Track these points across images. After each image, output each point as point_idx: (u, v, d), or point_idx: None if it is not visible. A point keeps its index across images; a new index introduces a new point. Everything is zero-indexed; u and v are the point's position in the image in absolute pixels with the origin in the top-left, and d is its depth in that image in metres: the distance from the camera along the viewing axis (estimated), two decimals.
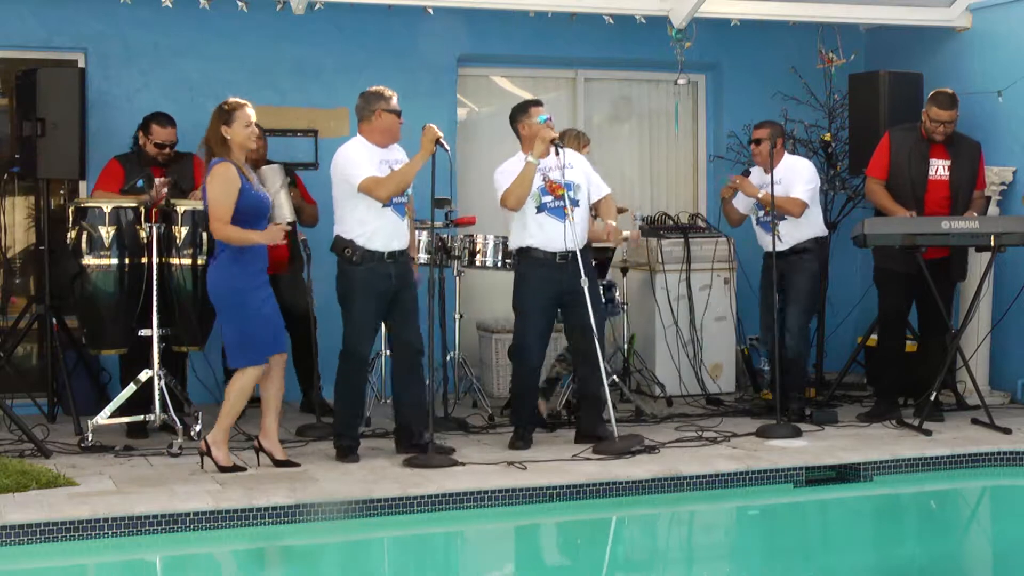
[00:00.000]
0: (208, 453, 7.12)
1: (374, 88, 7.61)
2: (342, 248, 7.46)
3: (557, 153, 7.74)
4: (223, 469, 7.09)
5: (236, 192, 6.94)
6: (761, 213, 8.68)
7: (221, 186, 6.95)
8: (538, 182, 7.79)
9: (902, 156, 8.55)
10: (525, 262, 7.88)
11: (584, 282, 7.57)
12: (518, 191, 7.72)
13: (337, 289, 7.48)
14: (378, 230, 7.42)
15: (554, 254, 7.77)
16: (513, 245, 7.99)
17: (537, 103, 8.04)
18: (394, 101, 7.55)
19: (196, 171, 8.41)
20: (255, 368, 7.10)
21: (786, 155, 8.82)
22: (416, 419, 7.56)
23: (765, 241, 8.69)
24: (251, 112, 7.08)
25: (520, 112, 7.98)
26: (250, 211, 7.00)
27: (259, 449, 7.29)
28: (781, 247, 8.60)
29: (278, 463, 7.24)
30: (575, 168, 7.88)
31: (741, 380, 9.85)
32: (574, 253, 7.68)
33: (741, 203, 8.88)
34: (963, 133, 8.65)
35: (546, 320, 7.91)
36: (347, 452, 7.50)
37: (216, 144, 7.01)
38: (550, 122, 7.83)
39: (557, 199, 7.77)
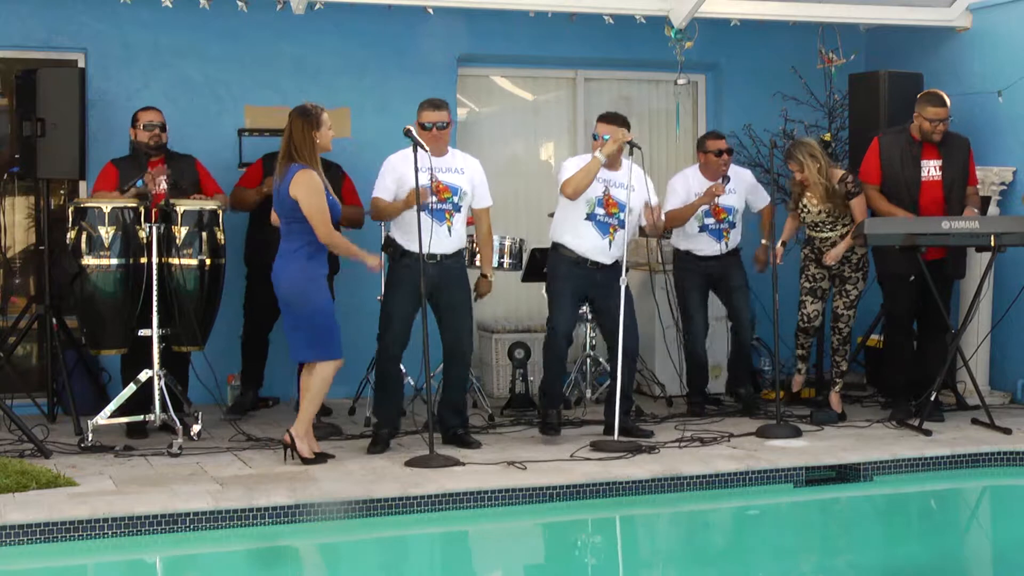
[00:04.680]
0: (292, 446, 7.27)
1: (426, 99, 7.82)
2: (388, 247, 7.79)
3: (631, 152, 7.86)
4: (307, 461, 7.25)
5: (324, 195, 7.13)
6: (711, 221, 8.79)
7: (315, 194, 7.09)
8: (598, 191, 7.95)
9: (894, 160, 8.56)
10: (556, 255, 8.08)
11: (623, 281, 7.74)
12: (578, 182, 7.86)
13: (384, 285, 7.79)
14: (414, 234, 7.52)
15: (586, 259, 7.98)
16: (550, 237, 8.18)
17: (616, 119, 8.05)
18: (425, 113, 7.70)
19: (201, 175, 8.43)
20: (334, 362, 7.25)
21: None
22: (447, 414, 7.80)
23: (704, 247, 8.84)
24: (328, 116, 7.31)
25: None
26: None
27: (288, 446, 7.31)
28: (724, 250, 8.84)
29: (307, 460, 7.30)
30: (636, 192, 7.99)
31: None
32: (604, 265, 7.97)
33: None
34: (951, 131, 8.65)
35: (574, 306, 8.10)
36: (375, 442, 7.69)
37: (306, 149, 7.15)
38: (601, 140, 7.97)
39: (609, 215, 7.95)
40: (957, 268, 8.74)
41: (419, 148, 7.44)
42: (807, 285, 8.74)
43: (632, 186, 7.95)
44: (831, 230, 8.62)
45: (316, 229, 7.10)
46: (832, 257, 8.54)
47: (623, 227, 7.95)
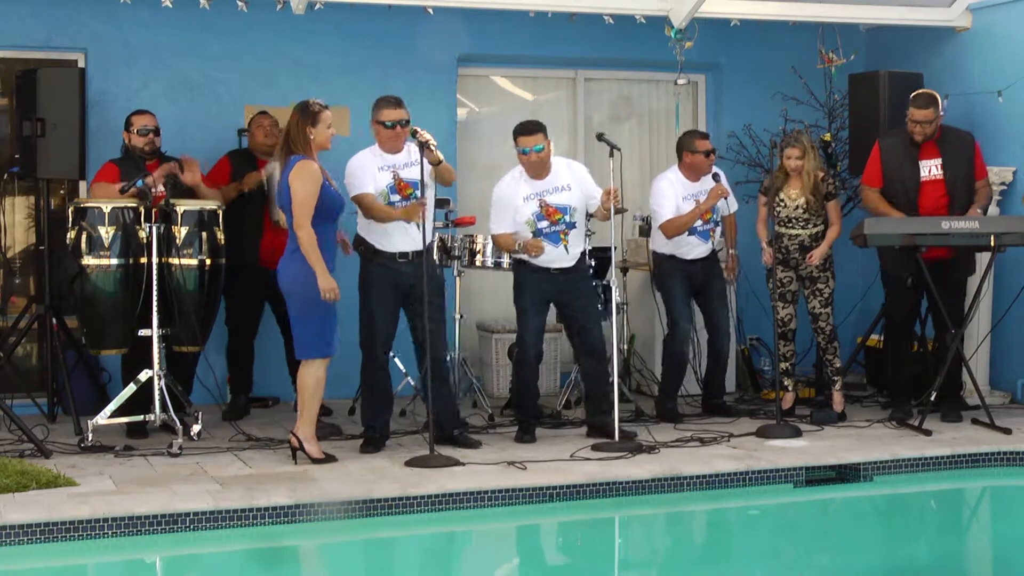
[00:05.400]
0: (301, 448, 7.30)
1: (380, 97, 7.73)
2: (358, 246, 7.76)
3: (612, 155, 7.72)
4: (316, 461, 7.28)
5: (319, 189, 7.12)
6: (699, 223, 8.68)
7: (308, 183, 7.12)
8: (534, 208, 7.93)
9: (893, 162, 8.56)
10: (520, 269, 8.05)
11: (613, 282, 7.81)
12: (504, 246, 8.00)
13: (358, 285, 7.72)
14: (386, 233, 7.60)
15: (548, 268, 7.96)
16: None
17: (529, 131, 7.92)
18: (385, 112, 7.62)
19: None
20: (325, 359, 7.29)
21: None
22: (444, 415, 7.76)
23: (691, 249, 8.70)
24: (330, 114, 7.28)
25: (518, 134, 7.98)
26: (327, 209, 7.20)
27: (296, 449, 7.34)
28: (706, 254, 8.75)
29: (317, 460, 7.33)
30: (572, 190, 7.95)
31: (741, 380, 9.84)
32: (568, 268, 7.95)
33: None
34: (953, 127, 8.63)
35: (541, 318, 8.07)
36: (367, 443, 7.69)
37: (300, 143, 7.19)
38: (531, 155, 7.84)
39: (553, 224, 7.92)
40: (968, 266, 8.66)
41: (423, 151, 7.44)
42: (775, 292, 8.69)
43: (567, 185, 7.92)
44: (803, 228, 8.62)
45: (294, 216, 7.11)
46: (819, 256, 8.54)
47: (573, 227, 7.95)
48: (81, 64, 8.98)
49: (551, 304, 8.13)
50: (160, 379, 7.65)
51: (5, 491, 6.60)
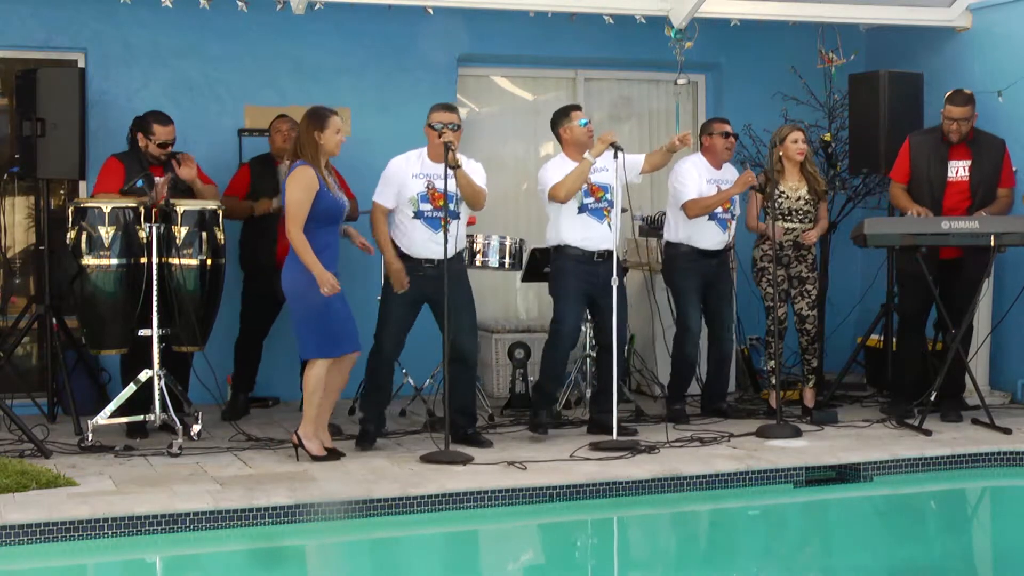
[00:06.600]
0: (301, 445, 7.36)
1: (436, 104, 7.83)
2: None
3: (616, 156, 7.86)
4: (317, 459, 7.32)
5: (313, 195, 7.15)
6: (719, 209, 8.62)
7: (300, 189, 7.15)
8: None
9: (921, 159, 8.56)
10: (561, 256, 8.10)
11: (614, 280, 7.81)
12: (571, 186, 7.95)
13: (382, 285, 7.87)
14: (412, 239, 7.68)
15: (592, 252, 8.01)
16: (550, 242, 8.19)
17: (576, 107, 8.29)
18: (434, 115, 7.66)
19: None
20: (326, 361, 7.30)
21: None
22: (455, 415, 7.71)
23: (708, 238, 8.63)
24: (339, 120, 7.30)
25: (562, 116, 8.20)
26: (326, 214, 7.23)
27: (297, 445, 7.39)
28: (721, 245, 8.71)
29: (317, 458, 7.35)
30: (609, 171, 8.02)
31: (741, 380, 9.84)
32: (610, 252, 7.95)
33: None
34: (985, 131, 8.63)
35: (580, 304, 8.12)
36: (363, 436, 7.75)
37: (309, 149, 7.22)
38: (590, 125, 8.12)
39: (597, 201, 8.03)
40: (982, 266, 8.47)
41: (447, 167, 7.49)
42: (771, 291, 8.60)
43: (604, 167, 7.98)
44: (800, 221, 8.62)
45: (285, 220, 7.18)
46: (815, 235, 8.59)
47: (612, 207, 8.04)
48: (81, 64, 8.98)
49: (588, 299, 8.09)
50: (160, 379, 7.66)
51: (5, 491, 6.60)
